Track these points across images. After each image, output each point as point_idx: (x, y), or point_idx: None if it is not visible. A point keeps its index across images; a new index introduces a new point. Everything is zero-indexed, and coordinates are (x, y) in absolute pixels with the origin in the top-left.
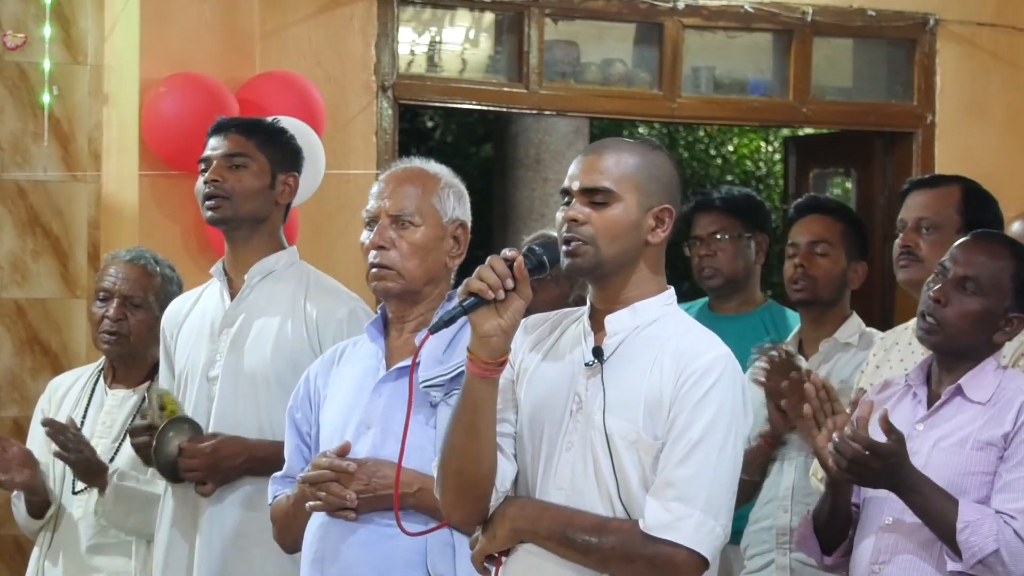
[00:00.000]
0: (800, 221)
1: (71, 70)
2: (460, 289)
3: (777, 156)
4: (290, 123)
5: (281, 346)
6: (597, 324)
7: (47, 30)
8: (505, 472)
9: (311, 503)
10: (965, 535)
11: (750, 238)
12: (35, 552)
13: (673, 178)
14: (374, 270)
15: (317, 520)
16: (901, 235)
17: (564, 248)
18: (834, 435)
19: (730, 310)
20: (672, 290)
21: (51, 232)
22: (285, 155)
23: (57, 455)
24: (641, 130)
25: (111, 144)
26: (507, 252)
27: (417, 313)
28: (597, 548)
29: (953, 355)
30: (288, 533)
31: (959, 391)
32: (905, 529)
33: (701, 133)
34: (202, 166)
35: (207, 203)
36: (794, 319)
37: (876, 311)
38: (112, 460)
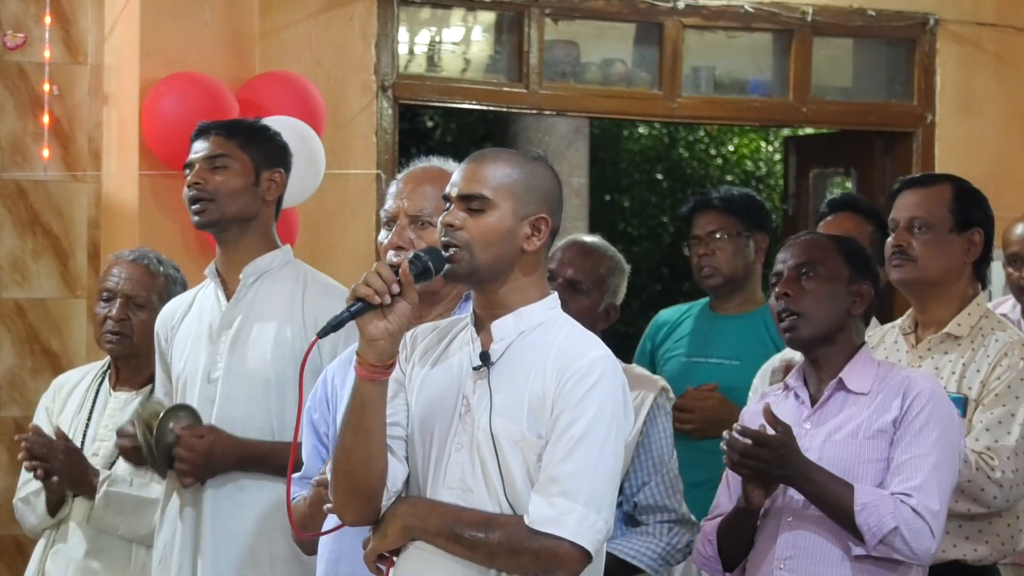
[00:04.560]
0: (831, 217)
1: (71, 70)
2: (347, 295)
3: (777, 156)
4: (288, 123)
5: (281, 346)
6: (482, 329)
7: (47, 30)
8: (396, 473)
9: (328, 505)
10: (863, 517)
11: (749, 237)
12: (36, 553)
13: (551, 189)
14: None
15: (333, 520)
16: (893, 235)
17: (444, 254)
18: (724, 433)
19: (731, 310)
20: (556, 295)
21: (51, 232)
22: (269, 152)
23: (35, 476)
24: (641, 130)
25: (111, 144)
26: (392, 258)
27: (435, 313)
28: (484, 543)
29: (822, 343)
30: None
31: (841, 385)
32: (808, 524)
33: (701, 133)
34: (187, 171)
35: (192, 207)
36: None
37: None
38: (115, 463)
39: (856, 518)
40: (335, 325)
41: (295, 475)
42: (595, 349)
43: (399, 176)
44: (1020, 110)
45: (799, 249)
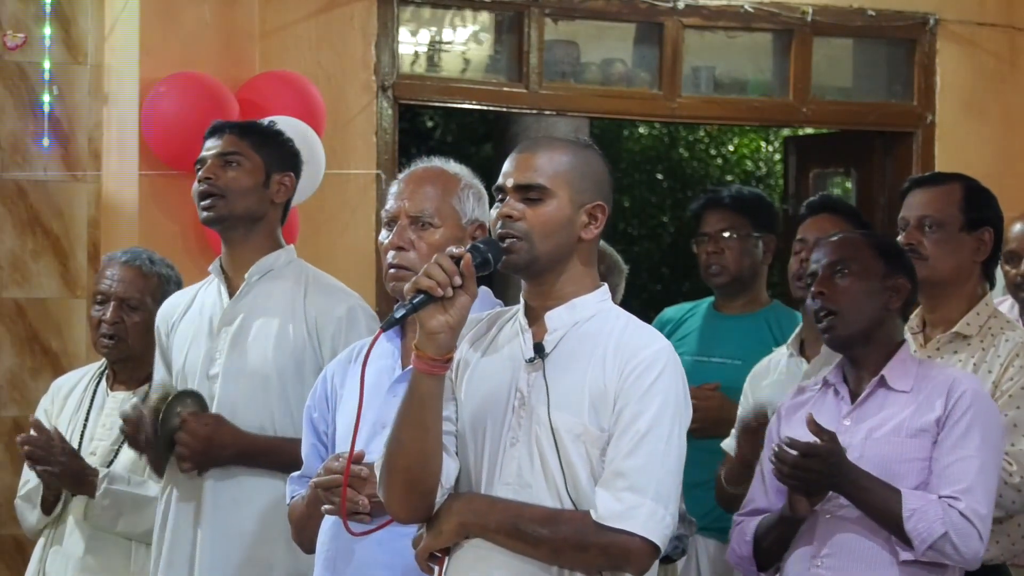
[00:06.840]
0: (811, 219)
1: (71, 70)
2: (407, 287)
3: (777, 156)
4: (289, 123)
5: (282, 344)
6: (533, 321)
7: (47, 30)
8: (449, 469)
9: (326, 507)
10: (912, 523)
11: (758, 238)
12: (35, 552)
13: (604, 176)
14: (392, 270)
15: (330, 520)
16: (904, 233)
17: (502, 245)
18: (772, 446)
19: (735, 309)
20: (607, 287)
21: (51, 232)
22: (280, 155)
23: (32, 468)
24: (641, 130)
25: (111, 144)
26: (453, 250)
27: None
28: (549, 539)
29: (861, 341)
30: (304, 534)
31: (882, 382)
32: (846, 522)
33: (701, 133)
34: (198, 167)
35: (202, 203)
36: (799, 320)
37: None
38: (111, 463)
39: (905, 524)
40: (398, 319)
41: (295, 474)
42: (657, 341)
43: (400, 176)
44: (1020, 110)
45: (832, 248)
